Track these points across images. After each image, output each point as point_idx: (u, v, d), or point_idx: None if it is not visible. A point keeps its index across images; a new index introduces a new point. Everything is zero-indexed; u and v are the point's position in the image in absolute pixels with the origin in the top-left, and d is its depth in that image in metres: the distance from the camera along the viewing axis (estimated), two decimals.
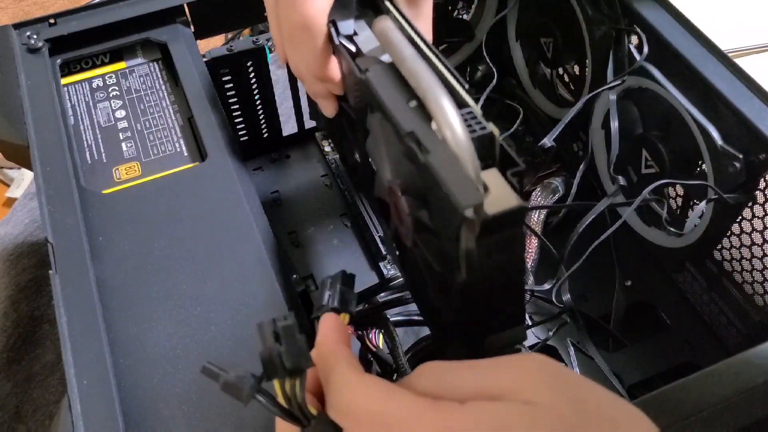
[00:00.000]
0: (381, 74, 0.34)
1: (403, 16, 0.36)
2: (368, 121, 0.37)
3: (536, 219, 0.57)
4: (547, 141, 0.52)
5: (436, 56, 0.33)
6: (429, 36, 0.41)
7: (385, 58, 0.35)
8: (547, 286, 0.54)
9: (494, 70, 0.62)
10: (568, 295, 0.53)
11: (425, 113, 0.30)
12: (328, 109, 0.43)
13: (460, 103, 0.30)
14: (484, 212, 0.25)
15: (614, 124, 0.52)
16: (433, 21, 0.61)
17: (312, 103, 0.47)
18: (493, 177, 0.28)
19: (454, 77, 0.32)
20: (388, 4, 0.38)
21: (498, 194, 0.27)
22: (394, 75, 0.33)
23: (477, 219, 0.25)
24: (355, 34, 0.38)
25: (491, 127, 0.29)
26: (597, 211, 0.50)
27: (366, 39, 0.38)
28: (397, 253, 0.40)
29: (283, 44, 0.40)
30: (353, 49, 0.37)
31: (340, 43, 0.37)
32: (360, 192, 0.55)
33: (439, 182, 0.27)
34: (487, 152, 0.29)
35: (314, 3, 0.37)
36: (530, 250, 0.55)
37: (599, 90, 0.52)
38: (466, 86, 0.31)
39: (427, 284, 0.35)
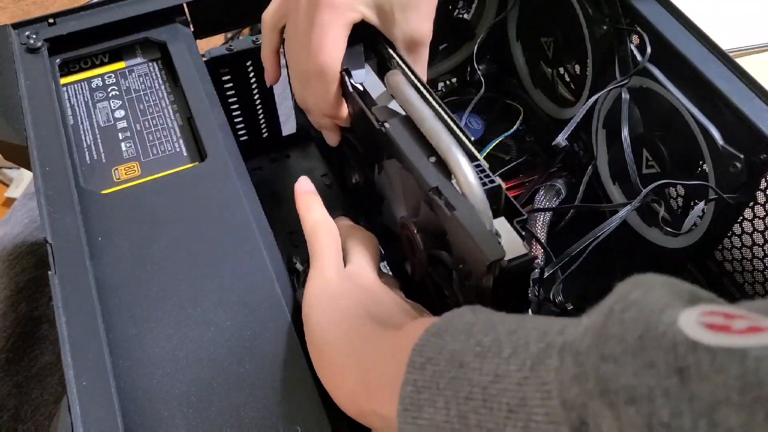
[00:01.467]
0: (399, 128, 0.38)
1: (407, 65, 0.41)
2: (385, 164, 0.41)
3: (541, 222, 0.56)
4: (561, 140, 0.52)
5: (442, 108, 0.38)
6: (424, 77, 0.46)
7: (393, 105, 0.40)
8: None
9: (494, 69, 0.62)
10: (561, 297, 0.53)
11: (444, 169, 0.34)
12: (332, 140, 0.47)
13: (470, 157, 0.34)
14: (503, 262, 0.30)
15: (625, 125, 0.51)
16: (433, 21, 0.61)
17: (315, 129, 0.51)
18: (502, 226, 0.33)
19: (462, 132, 0.36)
20: (391, 51, 0.43)
21: (509, 243, 0.32)
22: (411, 129, 0.38)
23: (496, 267, 0.31)
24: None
25: (498, 180, 0.34)
26: (611, 226, 0.50)
27: (372, 84, 0.42)
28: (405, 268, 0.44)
29: (294, 79, 0.44)
30: (362, 92, 0.42)
31: (354, 90, 0.42)
32: (358, 211, 0.58)
33: (468, 235, 0.31)
34: (494, 201, 0.34)
35: (330, 53, 0.41)
36: (536, 253, 0.55)
37: (610, 88, 0.51)
38: (471, 138, 0.36)
39: (435, 305, 0.39)
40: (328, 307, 0.35)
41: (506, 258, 0.31)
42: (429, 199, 0.34)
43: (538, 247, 0.54)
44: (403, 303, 0.37)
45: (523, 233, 0.32)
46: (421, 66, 0.45)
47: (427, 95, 0.39)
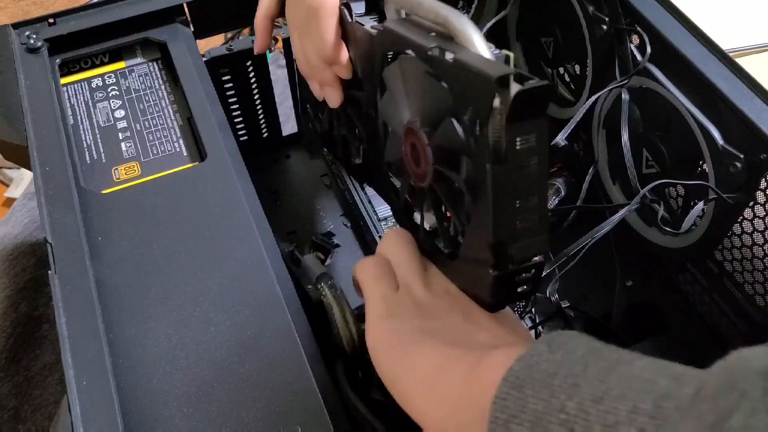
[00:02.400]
0: (398, 23, 0.37)
1: None
2: (385, 75, 0.39)
3: None
4: (560, 140, 0.52)
5: None
6: None
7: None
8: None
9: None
10: (556, 296, 0.53)
11: (446, 37, 0.33)
12: (335, 98, 0.45)
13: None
14: (513, 86, 0.27)
15: (625, 126, 0.51)
16: None
17: (312, 110, 0.51)
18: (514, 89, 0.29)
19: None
20: None
21: (522, 82, 0.28)
22: (411, 24, 0.36)
23: (509, 95, 0.27)
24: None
25: (505, 51, 0.31)
26: (609, 226, 0.50)
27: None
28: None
29: (294, 34, 0.43)
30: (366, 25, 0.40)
31: (355, 20, 0.41)
32: (365, 182, 0.55)
33: (469, 67, 0.28)
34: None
35: None
36: None
37: (610, 88, 0.52)
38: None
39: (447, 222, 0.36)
40: (389, 346, 0.34)
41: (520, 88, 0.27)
42: (431, 61, 0.32)
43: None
44: (457, 302, 0.36)
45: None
46: None
47: None
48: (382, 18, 0.44)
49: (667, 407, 0.22)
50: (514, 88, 0.27)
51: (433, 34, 0.34)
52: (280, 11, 0.48)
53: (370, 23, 0.41)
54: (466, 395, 0.29)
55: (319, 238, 0.59)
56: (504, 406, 0.26)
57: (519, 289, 0.33)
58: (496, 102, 0.27)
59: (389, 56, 0.39)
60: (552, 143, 0.53)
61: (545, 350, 0.27)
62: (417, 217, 0.40)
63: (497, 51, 0.31)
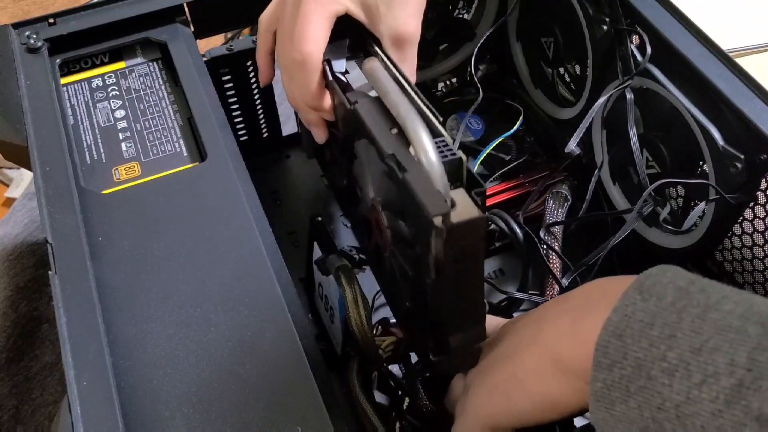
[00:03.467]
0: (368, 106, 0.39)
1: (389, 59, 0.42)
2: (356, 146, 0.41)
3: (559, 233, 0.56)
4: (574, 148, 0.52)
5: (416, 93, 0.38)
6: (413, 77, 0.46)
7: (372, 93, 0.40)
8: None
9: (495, 69, 0.62)
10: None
11: (404, 140, 0.35)
12: (320, 136, 0.48)
13: (434, 133, 0.35)
14: (450, 221, 0.30)
15: (631, 126, 0.51)
16: (433, 21, 0.62)
17: (305, 134, 0.52)
18: (459, 195, 0.33)
19: (431, 111, 0.37)
20: (376, 48, 0.43)
21: (463, 209, 0.32)
22: (379, 107, 0.38)
23: (444, 227, 0.30)
24: (347, 72, 0.44)
25: (460, 154, 0.34)
26: (623, 234, 0.50)
27: (356, 77, 0.43)
28: (377, 264, 0.45)
29: (283, 76, 0.45)
30: (344, 84, 0.43)
31: (334, 78, 0.43)
32: (345, 212, 0.60)
33: (414, 195, 0.31)
34: (456, 175, 0.33)
35: (311, 42, 0.42)
36: (553, 262, 0.55)
37: (614, 90, 0.51)
38: (440, 119, 0.36)
39: (401, 290, 0.39)
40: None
41: (456, 220, 0.30)
42: (387, 167, 0.34)
43: (557, 259, 0.55)
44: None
45: (480, 202, 0.32)
46: (408, 65, 0.45)
47: (401, 79, 0.39)
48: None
49: (760, 360, 0.24)
50: (452, 219, 0.30)
51: (395, 131, 0.36)
52: None
53: (354, 71, 0.43)
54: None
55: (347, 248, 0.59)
56: (606, 353, 0.28)
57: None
58: (437, 221, 0.30)
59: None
60: (565, 151, 0.54)
61: (638, 299, 0.29)
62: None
63: (451, 154, 0.33)
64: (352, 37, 0.45)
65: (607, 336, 0.29)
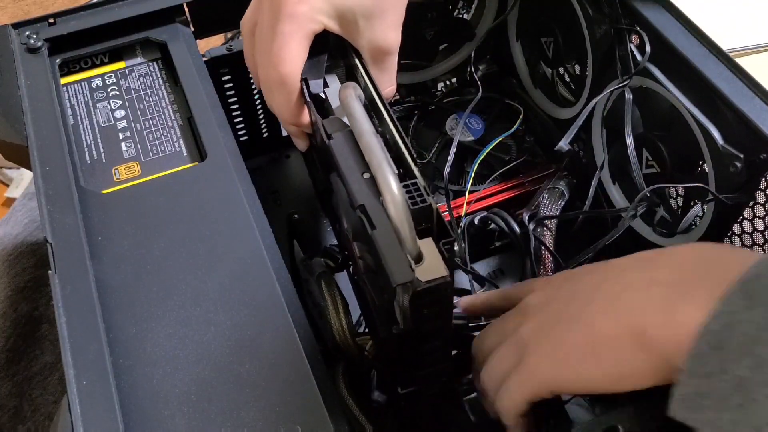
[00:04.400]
0: (342, 143, 0.38)
1: (369, 75, 0.42)
2: (331, 178, 0.41)
3: (553, 228, 0.56)
4: (564, 145, 0.52)
5: (393, 123, 0.38)
6: (393, 86, 0.46)
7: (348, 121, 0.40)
8: None
9: (494, 69, 0.62)
10: None
11: (376, 186, 0.34)
12: (301, 145, 0.48)
13: (408, 174, 0.35)
14: (414, 286, 0.31)
15: (628, 126, 0.51)
16: (433, 21, 0.62)
17: None
18: (428, 247, 0.33)
19: (406, 148, 0.36)
20: (357, 61, 0.43)
21: (430, 264, 0.32)
22: (354, 145, 0.37)
23: (409, 288, 0.31)
24: (326, 85, 0.44)
25: (430, 200, 0.34)
26: (617, 233, 0.50)
27: (335, 92, 0.43)
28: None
29: (264, 90, 0.45)
30: (322, 103, 0.43)
31: (312, 99, 0.43)
32: (326, 214, 0.60)
33: (380, 256, 0.32)
34: (426, 218, 0.34)
35: (289, 63, 0.41)
36: (547, 263, 0.55)
37: (611, 90, 0.52)
38: (414, 155, 0.36)
39: (372, 312, 0.40)
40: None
41: (422, 279, 0.31)
42: (357, 218, 0.35)
43: (548, 254, 0.54)
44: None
45: (447, 255, 0.32)
46: (388, 76, 0.45)
47: (381, 108, 0.39)
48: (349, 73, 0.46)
49: None
50: (418, 277, 0.31)
51: (368, 175, 0.36)
52: None
53: (334, 84, 0.43)
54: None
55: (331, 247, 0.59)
56: (703, 362, 0.26)
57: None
58: (398, 293, 0.32)
59: None
60: (555, 149, 0.54)
61: (743, 306, 0.26)
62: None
63: (422, 201, 0.34)
64: (333, 42, 0.45)
65: (705, 346, 0.26)
